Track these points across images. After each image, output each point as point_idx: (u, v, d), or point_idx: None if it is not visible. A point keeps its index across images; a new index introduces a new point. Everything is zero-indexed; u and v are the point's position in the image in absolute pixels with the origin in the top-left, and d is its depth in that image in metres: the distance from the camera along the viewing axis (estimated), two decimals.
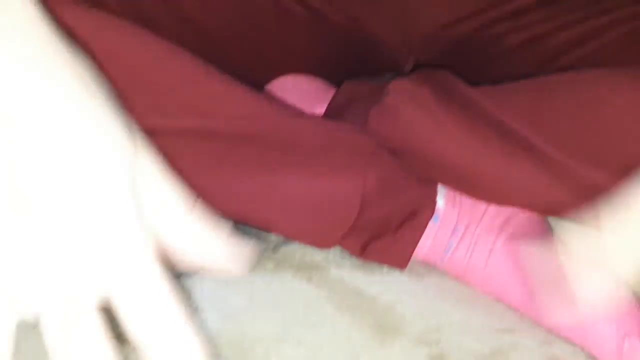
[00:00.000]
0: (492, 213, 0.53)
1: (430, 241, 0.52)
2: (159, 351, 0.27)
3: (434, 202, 0.52)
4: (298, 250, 0.52)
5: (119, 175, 0.28)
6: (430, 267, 0.55)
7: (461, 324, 0.49)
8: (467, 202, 0.53)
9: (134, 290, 0.27)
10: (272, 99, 0.57)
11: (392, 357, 0.46)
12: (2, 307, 0.27)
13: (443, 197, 0.53)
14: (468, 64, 0.58)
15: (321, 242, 0.51)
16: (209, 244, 0.30)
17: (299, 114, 0.54)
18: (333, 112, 0.58)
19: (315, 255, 0.53)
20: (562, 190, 0.48)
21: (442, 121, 0.50)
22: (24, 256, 0.27)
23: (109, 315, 0.28)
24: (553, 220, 0.54)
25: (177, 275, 0.30)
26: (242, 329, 0.46)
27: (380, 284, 0.51)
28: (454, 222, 0.52)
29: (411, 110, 0.50)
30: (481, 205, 0.53)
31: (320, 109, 0.59)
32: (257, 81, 0.57)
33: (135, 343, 0.27)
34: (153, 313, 0.27)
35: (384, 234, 0.51)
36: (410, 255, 0.52)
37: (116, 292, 0.27)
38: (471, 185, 0.51)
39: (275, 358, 0.45)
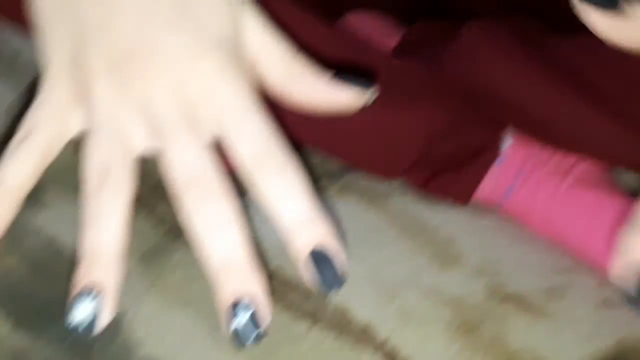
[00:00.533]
0: (558, 159, 0.53)
1: (493, 182, 0.53)
2: (266, 182, 0.29)
3: (500, 143, 0.53)
4: (362, 179, 0.53)
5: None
6: (489, 207, 0.55)
7: (520, 260, 0.50)
8: (533, 145, 0.53)
9: (244, 124, 0.30)
10: (344, 33, 0.58)
11: (452, 281, 0.46)
12: (131, 136, 0.30)
13: (509, 139, 0.53)
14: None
15: (385, 173, 0.51)
16: (314, 81, 0.33)
17: (369, 48, 0.55)
18: (404, 50, 0.58)
19: (378, 184, 0.53)
20: (637, 144, 0.48)
21: (519, 63, 0.50)
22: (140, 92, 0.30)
23: None
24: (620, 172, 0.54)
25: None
26: None
27: (441, 217, 0.52)
28: (518, 165, 0.52)
29: (488, 51, 0.51)
30: (547, 151, 0.53)
31: (391, 46, 0.59)
32: (329, 16, 0.58)
33: (245, 180, 0.30)
34: (262, 145, 0.30)
35: (448, 170, 0.52)
36: (472, 193, 0.52)
37: (228, 126, 0.30)
38: (542, 131, 0.51)
39: None
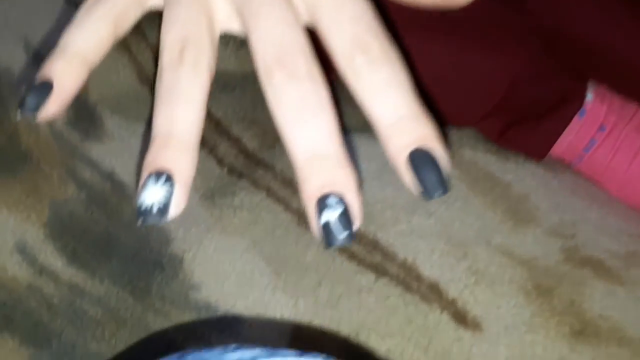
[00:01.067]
0: None
1: (573, 136, 0.49)
2: (366, 70, 0.26)
3: (582, 95, 0.49)
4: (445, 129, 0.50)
5: None
6: (564, 166, 0.52)
7: (597, 223, 0.47)
8: (617, 100, 0.50)
9: (343, 5, 0.26)
10: None
11: (525, 243, 0.44)
12: None
13: (592, 92, 0.50)
14: None
15: (460, 118, 0.48)
16: None
17: None
18: None
19: (448, 135, 0.50)
20: None
21: (608, 6, 0.46)
22: None
23: None
24: None
25: None
26: (373, 193, 0.45)
27: (514, 172, 0.49)
28: (600, 119, 0.49)
29: None
30: (632, 105, 0.49)
31: None
32: None
33: (341, 69, 0.26)
34: (364, 29, 0.26)
35: (526, 121, 0.49)
36: (551, 147, 0.49)
37: (326, 7, 0.26)
38: (629, 81, 0.48)
39: (405, 225, 0.43)
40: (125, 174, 0.45)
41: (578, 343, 0.39)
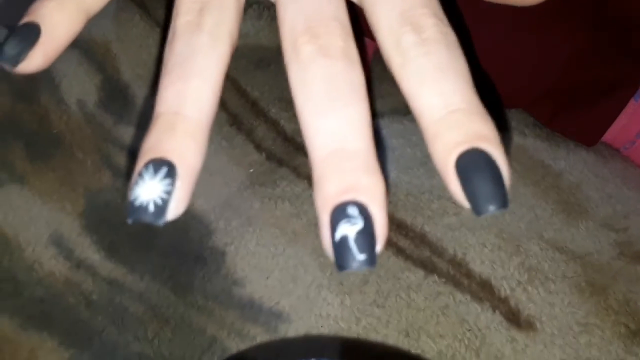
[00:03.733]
0: None
1: (626, 120, 0.47)
2: (417, 52, 0.20)
3: (638, 78, 0.47)
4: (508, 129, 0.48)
5: None
6: (613, 151, 0.50)
7: None
8: None
9: None
10: None
11: (578, 237, 0.42)
12: None
13: None
14: None
15: (512, 99, 0.46)
16: None
17: None
18: None
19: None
20: None
21: None
22: None
23: None
24: None
25: None
26: (419, 182, 0.43)
27: (566, 160, 0.47)
28: None
29: None
30: None
31: None
32: None
33: (387, 51, 0.21)
34: (416, 4, 0.20)
35: (579, 104, 0.47)
36: (604, 132, 0.47)
37: None
38: None
39: (454, 217, 0.42)
40: None
41: (634, 344, 0.38)
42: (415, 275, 0.39)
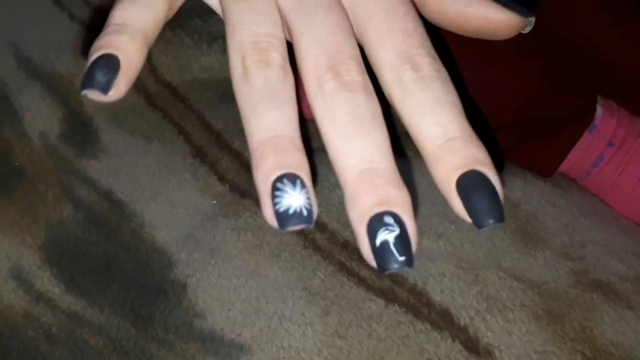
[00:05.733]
0: None
1: (582, 152, 0.48)
2: (416, 87, 0.23)
3: (593, 110, 0.48)
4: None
5: None
6: (570, 181, 0.51)
7: (606, 244, 0.46)
8: (625, 114, 0.49)
9: (395, 18, 0.24)
10: None
11: (535, 266, 0.43)
12: None
13: (601, 106, 0.49)
14: None
15: None
16: None
17: None
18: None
19: None
20: None
21: (620, 20, 0.45)
22: None
23: None
24: None
25: None
26: None
27: (522, 190, 0.48)
28: (610, 134, 0.48)
29: (590, 2, 0.46)
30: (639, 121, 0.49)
31: None
32: None
33: (387, 85, 0.24)
34: (415, 45, 0.24)
35: (535, 137, 0.48)
36: (560, 163, 0.48)
37: (377, 19, 0.25)
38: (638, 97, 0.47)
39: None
40: (123, 192, 0.43)
41: None
42: (377, 304, 0.39)
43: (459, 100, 0.23)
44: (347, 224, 0.43)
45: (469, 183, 0.22)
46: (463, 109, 0.23)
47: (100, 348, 0.37)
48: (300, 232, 0.42)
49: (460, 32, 0.27)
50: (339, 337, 0.38)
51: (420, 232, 0.43)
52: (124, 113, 0.45)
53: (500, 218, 0.22)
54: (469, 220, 0.22)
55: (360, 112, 0.23)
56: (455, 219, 0.44)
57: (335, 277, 0.40)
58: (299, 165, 0.22)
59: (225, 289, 0.39)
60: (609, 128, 0.48)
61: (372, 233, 0.22)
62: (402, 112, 0.23)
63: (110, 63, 0.23)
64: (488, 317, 0.39)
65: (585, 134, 0.48)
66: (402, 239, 0.22)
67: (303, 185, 0.22)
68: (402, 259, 0.22)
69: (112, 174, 0.43)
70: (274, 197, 0.21)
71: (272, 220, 0.22)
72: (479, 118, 0.46)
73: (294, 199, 0.22)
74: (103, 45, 0.23)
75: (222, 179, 0.44)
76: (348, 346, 0.38)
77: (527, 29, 0.27)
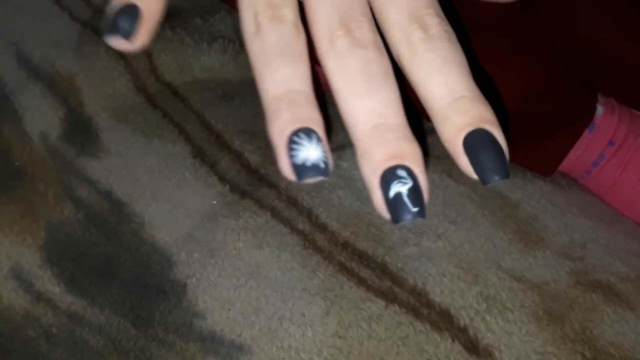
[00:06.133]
0: None
1: (582, 151, 0.48)
2: (425, 47, 0.24)
3: (593, 109, 0.48)
4: (438, 143, 0.49)
5: None
6: (570, 181, 0.51)
7: (606, 244, 0.46)
8: (626, 113, 0.49)
9: None
10: None
11: (535, 266, 0.43)
12: None
13: (602, 105, 0.49)
14: None
15: None
16: None
17: None
18: None
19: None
20: None
21: (623, 16, 0.45)
22: None
23: None
24: None
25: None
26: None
27: (523, 190, 0.48)
28: (610, 133, 0.48)
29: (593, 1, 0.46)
30: None
31: None
32: None
33: (397, 45, 0.24)
34: (424, 4, 0.24)
35: (535, 137, 0.48)
36: (560, 163, 0.48)
37: None
38: None
39: (414, 248, 0.42)
40: (123, 192, 0.43)
41: None
42: (377, 305, 0.39)
43: (466, 61, 0.24)
44: (347, 224, 0.43)
45: (476, 141, 0.22)
46: (469, 69, 0.23)
47: (100, 348, 0.37)
48: (300, 233, 0.42)
49: None
50: (339, 337, 0.38)
51: (420, 232, 0.43)
52: (124, 113, 0.45)
53: (506, 174, 0.22)
54: (474, 177, 0.23)
55: (372, 68, 0.23)
56: (454, 220, 0.44)
57: (335, 277, 0.40)
58: (314, 119, 0.23)
59: (225, 289, 0.39)
60: (609, 127, 0.48)
61: (385, 185, 0.22)
62: (410, 72, 0.23)
63: (132, 12, 0.24)
64: (488, 317, 0.39)
65: (586, 133, 0.48)
66: (415, 191, 0.22)
67: (319, 139, 0.22)
68: (415, 209, 0.22)
69: (112, 173, 0.43)
70: (290, 150, 0.22)
71: (289, 173, 0.22)
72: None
73: (311, 152, 0.22)
74: None
75: (222, 179, 0.44)
76: (348, 346, 0.38)
77: None
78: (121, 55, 0.49)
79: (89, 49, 0.47)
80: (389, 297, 0.40)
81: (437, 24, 0.23)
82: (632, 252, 0.46)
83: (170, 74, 0.49)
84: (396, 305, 0.39)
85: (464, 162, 0.23)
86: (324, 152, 0.22)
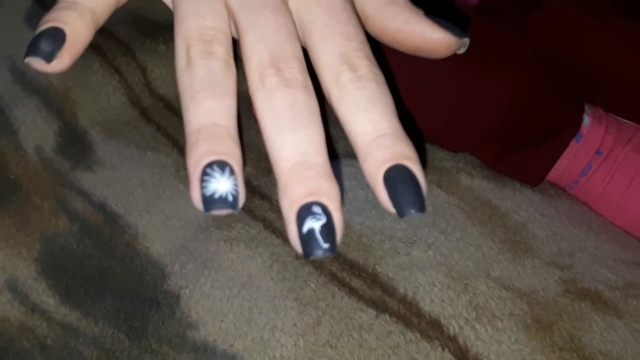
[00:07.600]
0: None
1: (569, 161, 0.49)
2: (353, 87, 0.25)
3: (579, 119, 0.49)
4: (427, 153, 0.50)
5: None
6: (559, 190, 0.52)
7: (594, 253, 0.46)
8: (613, 122, 0.49)
9: (338, 22, 0.26)
10: None
11: (524, 275, 0.43)
12: None
13: (589, 115, 0.49)
14: None
15: (456, 144, 0.48)
16: (409, 13, 0.28)
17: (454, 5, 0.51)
18: (486, 9, 0.54)
19: (444, 161, 0.50)
20: None
21: (615, 26, 0.46)
22: None
23: None
24: None
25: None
26: (371, 224, 0.44)
27: (512, 199, 0.48)
28: (597, 143, 0.49)
29: (579, 13, 0.46)
30: (629, 127, 0.49)
31: (473, 4, 0.55)
32: None
33: (327, 84, 0.25)
34: (355, 48, 0.25)
35: (522, 147, 0.48)
36: (547, 173, 0.49)
37: (320, 21, 0.26)
38: (630, 103, 0.48)
39: (404, 257, 0.43)
40: (117, 204, 0.43)
41: None
42: (367, 315, 0.40)
43: (393, 102, 0.25)
44: None
45: (395, 176, 0.23)
46: (395, 109, 0.24)
47: (95, 359, 0.37)
48: None
49: (400, 49, 0.28)
50: (330, 347, 0.38)
51: (410, 242, 0.44)
52: (118, 126, 0.45)
53: (422, 208, 0.23)
54: (392, 210, 0.23)
55: (298, 107, 0.24)
56: (444, 229, 0.45)
57: (326, 287, 0.41)
58: (231, 153, 0.23)
59: (218, 300, 0.40)
60: (596, 137, 0.49)
61: (300, 220, 0.23)
62: (338, 109, 0.24)
63: (56, 35, 0.24)
64: (477, 326, 0.40)
65: (572, 143, 0.48)
66: (328, 228, 0.23)
67: (232, 172, 0.23)
68: (326, 245, 0.23)
69: (106, 186, 0.43)
70: (202, 181, 0.22)
71: (198, 204, 0.23)
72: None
73: (221, 185, 0.23)
74: (51, 19, 0.24)
75: None
76: (339, 356, 0.38)
77: (462, 50, 0.28)
78: (116, 70, 0.49)
79: (84, 63, 0.48)
80: (380, 307, 0.40)
81: (365, 66, 0.25)
82: (620, 260, 0.47)
83: (164, 87, 0.50)
84: (387, 314, 0.40)
85: (383, 195, 0.23)
86: (235, 186, 0.23)
